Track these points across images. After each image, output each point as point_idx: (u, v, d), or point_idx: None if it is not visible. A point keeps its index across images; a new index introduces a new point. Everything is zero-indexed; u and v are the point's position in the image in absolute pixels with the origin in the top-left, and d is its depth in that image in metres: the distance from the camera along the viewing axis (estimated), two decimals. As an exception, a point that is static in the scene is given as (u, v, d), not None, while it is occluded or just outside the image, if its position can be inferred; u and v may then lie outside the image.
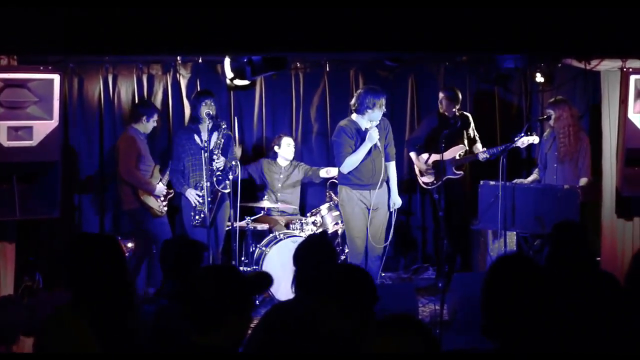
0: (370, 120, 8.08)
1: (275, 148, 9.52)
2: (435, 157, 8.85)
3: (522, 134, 8.66)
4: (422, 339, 2.87)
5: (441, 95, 9.44)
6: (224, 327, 3.28)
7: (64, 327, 3.67)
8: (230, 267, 3.58)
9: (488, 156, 9.06)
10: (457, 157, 9.26)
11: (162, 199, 8.63)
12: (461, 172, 9.31)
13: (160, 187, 8.59)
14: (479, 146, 9.46)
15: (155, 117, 8.72)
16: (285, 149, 9.51)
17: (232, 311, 3.30)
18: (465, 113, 9.46)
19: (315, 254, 4.75)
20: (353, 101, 8.18)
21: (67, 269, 3.80)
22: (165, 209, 8.67)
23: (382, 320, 2.96)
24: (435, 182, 9.25)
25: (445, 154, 8.98)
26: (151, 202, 8.52)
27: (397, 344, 2.86)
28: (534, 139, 8.78)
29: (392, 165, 8.38)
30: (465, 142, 9.37)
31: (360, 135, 8.10)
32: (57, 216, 7.62)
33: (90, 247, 3.82)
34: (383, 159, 8.18)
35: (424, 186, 9.45)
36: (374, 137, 7.99)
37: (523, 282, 3.16)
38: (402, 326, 2.90)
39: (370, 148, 8.04)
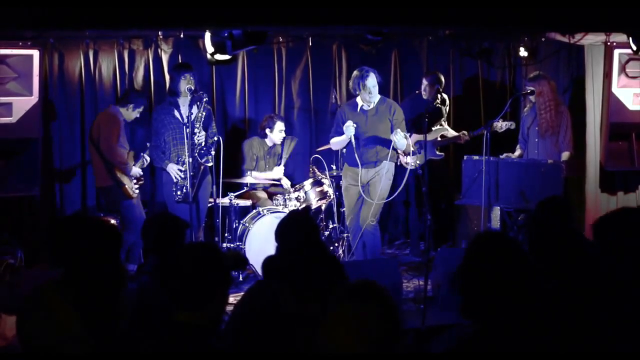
0: (365, 101, 8.29)
1: (267, 130, 9.44)
2: (417, 137, 8.84)
3: (498, 119, 8.68)
4: (381, 307, 2.86)
5: (425, 82, 9.40)
6: (203, 304, 3.25)
7: (45, 305, 3.64)
8: (210, 244, 3.56)
9: (468, 138, 9.17)
10: (439, 139, 9.29)
11: (135, 181, 8.58)
12: (442, 153, 9.35)
13: (136, 170, 8.54)
14: (448, 127, 9.49)
15: (142, 109, 8.64)
16: (277, 134, 9.45)
17: (212, 288, 3.28)
18: (443, 94, 9.43)
19: (297, 231, 4.73)
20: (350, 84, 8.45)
21: (56, 249, 3.77)
22: (137, 192, 8.59)
23: (343, 287, 2.95)
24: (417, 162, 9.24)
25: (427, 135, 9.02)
26: (125, 180, 8.46)
27: (356, 312, 2.85)
28: (511, 125, 8.81)
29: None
30: (444, 123, 9.40)
31: (363, 114, 8.34)
32: (37, 193, 7.57)
33: (86, 230, 3.79)
34: (379, 142, 8.31)
35: (405, 166, 9.39)
36: (347, 133, 8.22)
37: (501, 261, 3.12)
38: (361, 294, 2.89)
39: (357, 135, 8.25)
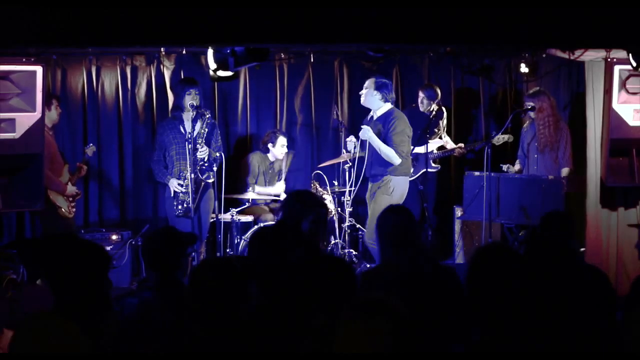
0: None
1: (270, 145, 9.47)
2: (416, 150, 8.87)
3: (499, 133, 8.76)
4: (393, 323, 2.87)
5: (421, 94, 9.48)
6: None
7: (51, 333, 3.61)
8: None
9: (465, 152, 9.28)
10: (436, 152, 9.33)
11: (72, 199, 8.50)
12: (438, 165, 9.38)
13: (71, 188, 8.46)
14: (448, 139, 9.54)
15: (55, 103, 8.43)
16: (279, 148, 9.48)
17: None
18: (441, 107, 9.47)
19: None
20: None
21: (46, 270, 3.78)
22: (74, 210, 8.52)
23: (352, 303, 2.96)
24: (412, 175, 9.26)
25: (422, 148, 9.04)
26: (60, 201, 8.34)
27: (366, 328, 2.86)
28: (509, 138, 8.89)
29: None
30: (442, 136, 9.44)
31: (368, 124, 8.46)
32: (40, 208, 7.59)
33: (68, 250, 3.77)
34: (374, 156, 8.35)
35: None
36: (347, 148, 8.65)
37: (503, 273, 3.13)
38: (371, 310, 2.90)
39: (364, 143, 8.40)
